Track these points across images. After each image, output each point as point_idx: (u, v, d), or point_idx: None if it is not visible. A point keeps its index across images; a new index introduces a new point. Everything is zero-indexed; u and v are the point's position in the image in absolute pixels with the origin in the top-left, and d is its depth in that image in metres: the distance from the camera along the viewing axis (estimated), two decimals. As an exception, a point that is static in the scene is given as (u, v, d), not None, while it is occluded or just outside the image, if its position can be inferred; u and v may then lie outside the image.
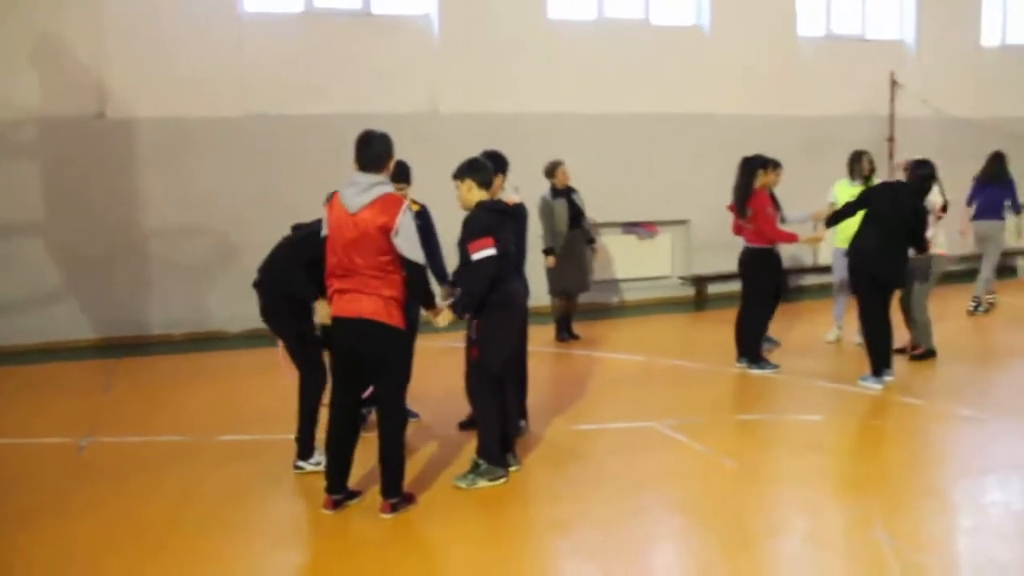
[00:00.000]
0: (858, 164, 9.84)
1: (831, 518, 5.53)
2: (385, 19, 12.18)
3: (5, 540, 5.26)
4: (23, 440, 7.24)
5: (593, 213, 12.55)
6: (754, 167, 8.85)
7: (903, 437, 7.12)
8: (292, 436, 6.26)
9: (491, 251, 5.75)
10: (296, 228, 6.38)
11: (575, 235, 10.37)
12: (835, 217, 8.64)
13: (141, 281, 11.18)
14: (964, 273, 12.63)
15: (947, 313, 10.66)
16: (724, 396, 8.37)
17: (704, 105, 13.32)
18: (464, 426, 6.96)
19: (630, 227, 13.42)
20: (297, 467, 6.22)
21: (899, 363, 8.79)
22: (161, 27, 11.04)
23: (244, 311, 10.96)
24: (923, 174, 8.22)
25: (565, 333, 10.66)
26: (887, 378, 8.24)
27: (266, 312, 6.28)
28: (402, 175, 6.72)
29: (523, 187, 10.36)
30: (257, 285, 6.32)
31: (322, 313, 5.84)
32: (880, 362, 8.20)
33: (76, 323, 10.99)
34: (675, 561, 5.12)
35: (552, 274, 10.27)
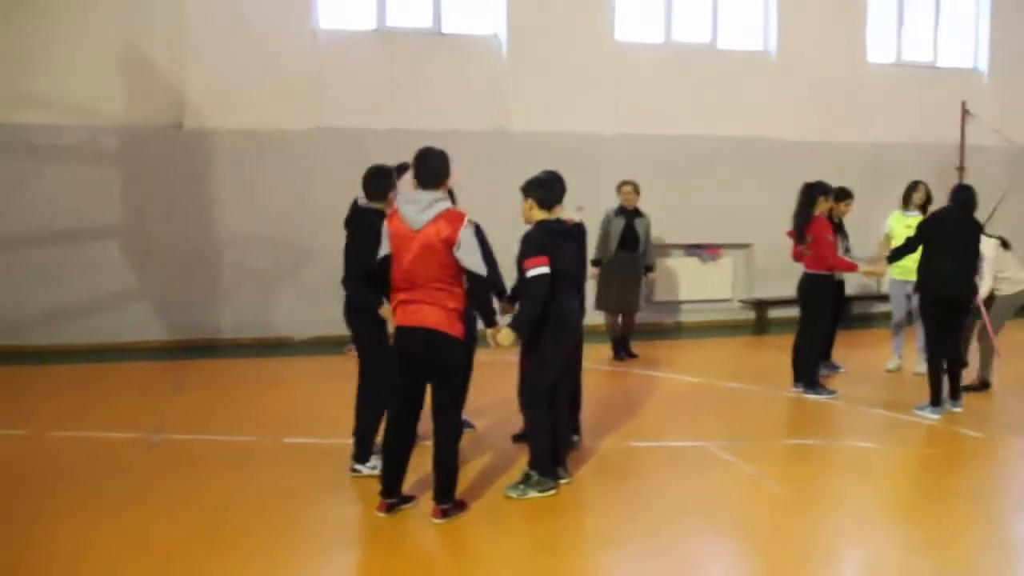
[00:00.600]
0: (914, 194, 9.83)
1: (878, 545, 5.52)
2: (455, 38, 12.46)
3: (70, 529, 5.51)
4: (94, 433, 7.56)
5: (656, 234, 12.64)
6: (815, 194, 8.87)
7: (958, 467, 7.07)
8: (351, 440, 6.47)
9: (544, 269, 5.89)
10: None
11: (624, 257, 10.44)
12: (897, 253, 8.61)
13: (213, 287, 11.57)
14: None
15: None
16: (778, 420, 8.38)
17: (770, 130, 13.35)
18: (518, 438, 7.10)
19: (693, 249, 13.48)
20: (354, 470, 6.42)
21: (971, 396, 8.71)
22: (239, 42, 11.45)
23: (310, 319, 11.36)
24: (962, 199, 8.26)
25: (622, 351, 10.75)
26: (955, 408, 8.22)
27: (347, 310, 6.44)
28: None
29: (589, 207, 10.59)
30: (343, 283, 6.50)
31: (389, 318, 5.99)
32: (938, 392, 8.17)
33: (150, 325, 11.41)
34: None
35: (597, 288, 10.39)
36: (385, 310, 6.00)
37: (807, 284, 8.95)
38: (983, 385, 9.10)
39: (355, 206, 6.52)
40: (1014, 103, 14.42)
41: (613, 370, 10.26)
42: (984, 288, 8.75)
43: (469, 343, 5.75)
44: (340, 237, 6.54)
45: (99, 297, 11.22)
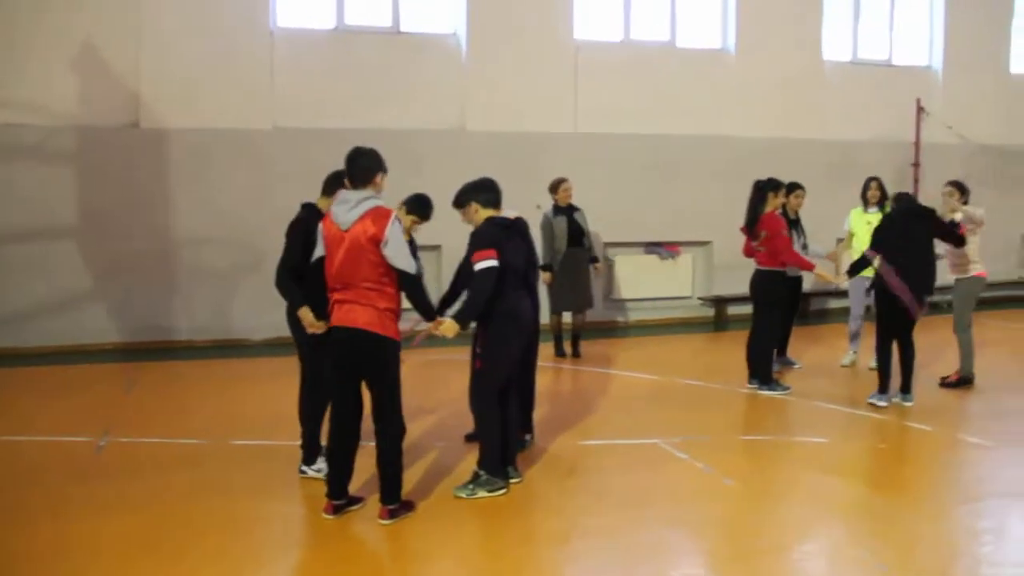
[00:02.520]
0: (868, 191, 9.95)
1: (823, 539, 5.60)
2: (414, 37, 12.42)
3: (13, 532, 5.45)
4: (43, 437, 7.48)
5: (615, 233, 12.74)
6: (765, 190, 8.95)
7: (907, 462, 7.17)
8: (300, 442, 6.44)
9: (493, 262, 5.92)
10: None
11: (575, 253, 10.47)
12: (855, 268, 8.70)
13: (169, 288, 11.47)
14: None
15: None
16: (732, 416, 8.43)
17: (728, 128, 13.43)
18: (470, 438, 7.09)
19: (652, 247, 13.53)
20: (301, 472, 6.39)
21: (923, 388, 8.86)
22: (196, 41, 11.35)
23: (267, 320, 11.25)
24: (905, 206, 8.50)
25: (563, 349, 10.80)
26: (905, 403, 8.37)
27: (287, 316, 6.41)
28: (418, 208, 6.91)
29: (544, 205, 10.63)
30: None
31: (306, 321, 5.98)
32: (885, 380, 8.40)
33: (104, 327, 11.29)
34: (668, 575, 5.21)
35: (549, 291, 10.39)
36: (303, 312, 5.98)
37: (759, 280, 9.02)
38: (964, 381, 9.15)
39: (303, 206, 6.45)
40: (967, 101, 14.62)
41: (566, 368, 10.28)
42: (961, 214, 8.81)
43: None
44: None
45: (54, 299, 11.09)
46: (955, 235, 8.55)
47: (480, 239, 6.05)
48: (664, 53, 13.43)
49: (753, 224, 8.91)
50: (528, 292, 6.48)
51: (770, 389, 8.94)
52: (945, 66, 14.84)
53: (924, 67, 14.94)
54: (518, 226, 6.35)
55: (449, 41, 12.54)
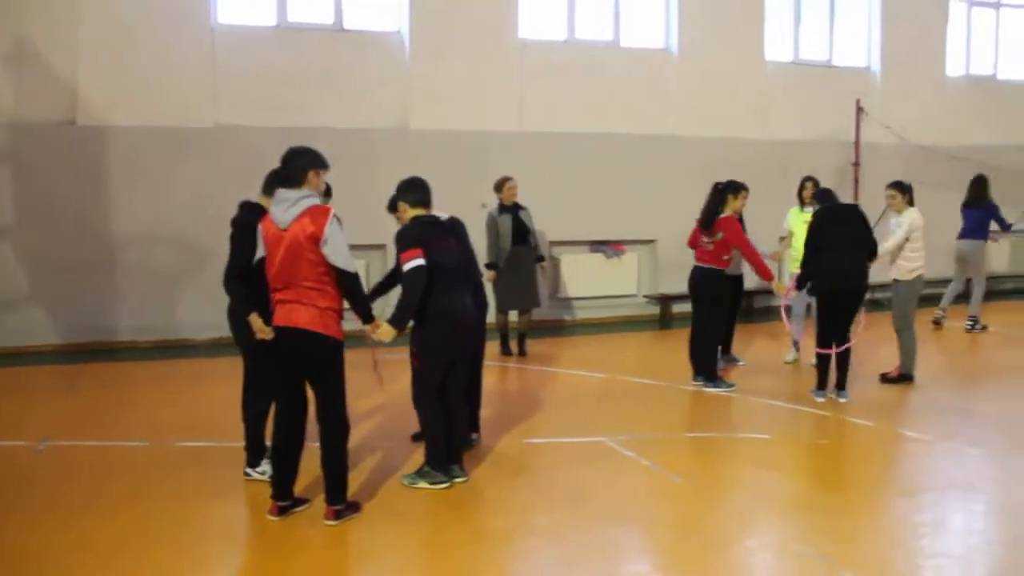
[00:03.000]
0: (803, 191, 10.14)
1: (766, 534, 5.68)
2: (357, 35, 12.34)
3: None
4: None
5: (561, 231, 12.77)
6: (724, 193, 9.01)
7: (847, 457, 7.29)
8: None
9: (419, 261, 5.94)
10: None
11: (520, 251, 10.50)
12: (801, 282, 8.80)
13: (110, 288, 11.26)
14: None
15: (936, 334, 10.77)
16: (677, 414, 8.50)
17: (672, 127, 13.55)
18: (416, 438, 7.08)
19: (597, 245, 13.58)
20: (246, 474, 6.33)
21: (863, 384, 9.04)
22: (134, 36, 11.16)
23: (212, 320, 11.01)
24: (826, 200, 8.71)
25: (508, 348, 10.81)
26: (841, 399, 8.53)
27: (229, 312, 6.30)
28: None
29: (490, 204, 10.63)
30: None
31: (255, 327, 5.90)
32: (823, 378, 8.62)
33: (43, 328, 11.05)
34: (611, 571, 5.23)
35: (496, 290, 10.39)
36: (253, 318, 5.88)
37: (701, 278, 9.09)
38: (905, 378, 9.29)
39: (241, 205, 6.34)
40: (906, 102, 14.90)
41: (513, 367, 10.30)
42: (884, 248, 9.00)
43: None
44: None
45: (-11, 300, 10.85)
46: (871, 238, 8.67)
47: (403, 238, 6.08)
48: (608, 52, 13.50)
49: (709, 224, 8.96)
50: (469, 290, 6.47)
51: (715, 386, 9.03)
52: (883, 67, 15.12)
53: (863, 68, 15.20)
54: (449, 225, 6.33)
55: (393, 39, 12.48)
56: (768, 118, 14.15)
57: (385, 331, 5.83)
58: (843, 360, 8.55)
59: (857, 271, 8.45)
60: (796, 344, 10.33)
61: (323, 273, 5.39)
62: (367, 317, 5.71)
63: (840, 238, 8.40)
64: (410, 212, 6.22)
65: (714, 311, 9.10)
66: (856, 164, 14.46)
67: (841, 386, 8.58)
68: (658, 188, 13.28)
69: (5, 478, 6.44)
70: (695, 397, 8.93)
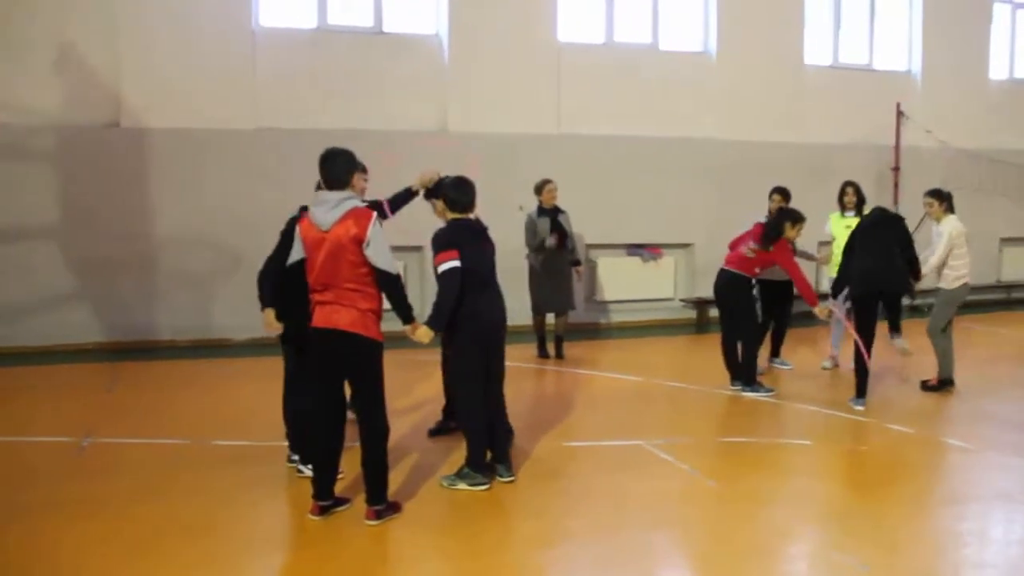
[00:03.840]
0: (844, 196, 10.02)
1: (805, 541, 5.63)
2: (396, 37, 12.41)
3: None
4: (25, 438, 7.44)
5: (597, 234, 12.77)
6: (783, 220, 8.87)
7: (888, 464, 7.19)
8: (284, 443, 6.42)
9: (454, 263, 5.98)
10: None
11: (557, 255, 10.49)
12: (838, 284, 8.83)
13: (150, 288, 11.41)
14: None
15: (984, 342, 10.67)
16: (714, 418, 8.46)
17: (710, 130, 13.50)
18: (433, 433, 7.14)
19: (634, 249, 13.55)
20: (299, 471, 6.37)
21: (904, 391, 9.00)
22: (176, 40, 11.30)
23: (249, 320, 11.17)
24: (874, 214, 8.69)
25: (545, 351, 10.81)
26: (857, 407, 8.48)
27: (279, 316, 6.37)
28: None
29: (527, 206, 10.65)
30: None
31: (265, 321, 5.97)
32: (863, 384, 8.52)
33: (85, 327, 11.22)
34: (650, 577, 5.23)
35: (531, 291, 10.42)
36: (266, 313, 5.99)
37: (724, 284, 9.03)
38: (945, 383, 9.18)
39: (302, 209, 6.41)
40: (945, 105, 14.74)
41: (550, 370, 10.29)
42: (928, 266, 8.94)
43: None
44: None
45: (34, 299, 11.01)
46: (910, 248, 8.58)
47: (439, 241, 6.11)
48: (646, 55, 13.47)
49: (769, 241, 8.83)
50: (491, 294, 6.39)
51: (753, 391, 8.97)
52: (924, 71, 14.97)
53: (904, 72, 15.06)
54: (483, 229, 6.35)
55: (431, 42, 12.53)
56: (806, 121, 14.05)
57: (423, 333, 5.87)
58: (860, 367, 8.48)
59: (892, 272, 8.37)
60: (834, 352, 10.24)
61: (364, 275, 5.43)
62: (408, 318, 5.73)
63: (876, 240, 8.36)
64: (450, 215, 6.26)
65: (744, 315, 9.00)
66: (896, 168, 14.32)
67: (860, 393, 8.54)
68: (695, 191, 13.23)
69: (51, 474, 6.54)
70: (733, 402, 8.88)
